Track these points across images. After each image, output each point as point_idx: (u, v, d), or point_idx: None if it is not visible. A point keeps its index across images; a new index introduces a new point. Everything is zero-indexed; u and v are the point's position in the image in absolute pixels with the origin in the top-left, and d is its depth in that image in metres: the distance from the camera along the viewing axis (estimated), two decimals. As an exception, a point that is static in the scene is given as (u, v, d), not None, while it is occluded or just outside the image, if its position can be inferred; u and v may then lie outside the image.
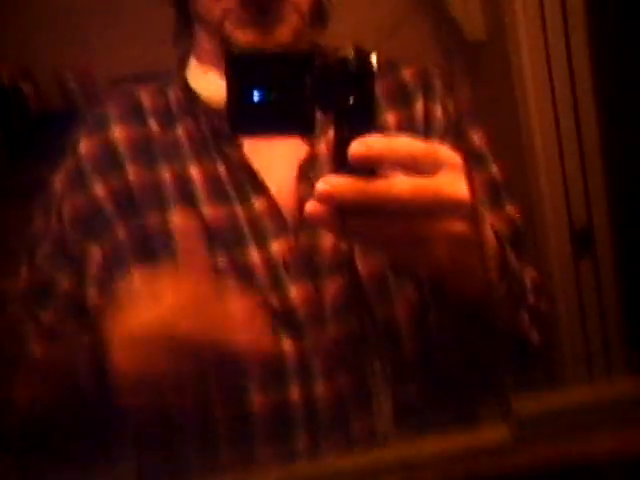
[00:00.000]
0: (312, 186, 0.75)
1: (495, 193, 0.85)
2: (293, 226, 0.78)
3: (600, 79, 1.76)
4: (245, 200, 0.79)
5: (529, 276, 0.82)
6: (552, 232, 1.76)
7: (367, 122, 0.51)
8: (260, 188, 0.79)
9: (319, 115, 0.51)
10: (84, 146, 0.83)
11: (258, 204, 0.79)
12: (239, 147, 0.80)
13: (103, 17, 2.17)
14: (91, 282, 0.80)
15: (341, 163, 0.51)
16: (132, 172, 0.81)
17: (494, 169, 0.87)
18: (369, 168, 0.50)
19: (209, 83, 0.83)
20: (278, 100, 0.51)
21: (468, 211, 0.54)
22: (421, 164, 0.51)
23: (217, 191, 0.80)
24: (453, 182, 0.53)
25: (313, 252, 0.78)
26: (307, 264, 0.78)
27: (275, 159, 0.81)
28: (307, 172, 0.79)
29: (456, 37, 2.19)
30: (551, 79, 1.77)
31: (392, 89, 0.86)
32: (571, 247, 1.77)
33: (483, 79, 2.21)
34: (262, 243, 0.78)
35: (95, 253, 0.80)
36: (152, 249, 0.79)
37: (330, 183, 0.50)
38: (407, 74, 0.88)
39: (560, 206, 1.76)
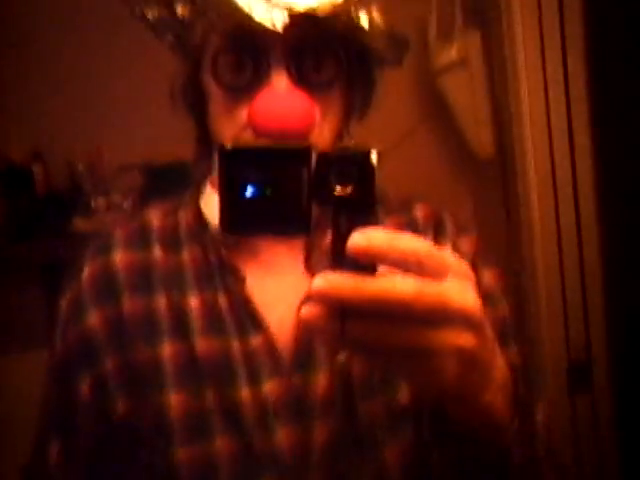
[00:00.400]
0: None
1: (503, 334, 0.82)
2: (288, 366, 0.77)
3: (605, 205, 1.77)
4: (242, 335, 0.78)
5: (541, 413, 0.79)
6: (549, 364, 1.72)
7: (367, 215, 0.48)
8: (259, 325, 0.78)
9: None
10: (86, 271, 0.84)
11: (255, 341, 0.78)
12: (243, 280, 0.80)
13: (117, 105, 2.21)
14: (81, 412, 0.80)
15: (338, 259, 0.47)
16: (127, 301, 0.80)
17: (504, 310, 0.86)
18: (369, 265, 0.46)
19: None
20: (273, 196, 0.49)
21: (477, 324, 0.49)
22: (425, 266, 0.47)
23: (214, 323, 0.79)
24: (461, 290, 0.48)
25: (306, 394, 0.76)
26: (298, 407, 0.75)
27: (278, 294, 0.80)
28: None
29: (464, 154, 2.22)
30: (557, 206, 1.77)
31: (403, 225, 0.87)
32: (568, 381, 1.73)
33: (487, 197, 2.22)
34: (254, 382, 0.76)
35: (84, 383, 0.80)
36: (138, 381, 0.77)
37: (326, 280, 0.45)
38: (419, 213, 0.89)
39: (559, 338, 1.73)
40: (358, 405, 0.75)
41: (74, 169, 2.28)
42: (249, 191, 0.48)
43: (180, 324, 0.78)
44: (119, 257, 0.83)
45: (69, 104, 2.21)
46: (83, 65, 2.19)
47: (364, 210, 0.48)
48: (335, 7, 0.74)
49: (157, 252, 0.83)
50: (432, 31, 2.08)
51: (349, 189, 0.48)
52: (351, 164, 0.48)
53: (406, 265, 0.46)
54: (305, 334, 0.77)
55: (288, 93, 0.73)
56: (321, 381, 0.76)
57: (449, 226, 0.88)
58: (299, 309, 0.74)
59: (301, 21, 0.72)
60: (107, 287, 0.81)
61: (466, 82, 2.06)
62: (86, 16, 2.15)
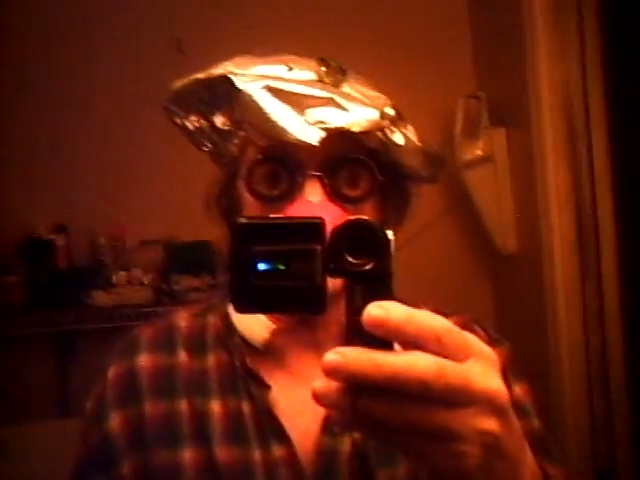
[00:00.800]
0: (335, 440, 0.75)
1: (535, 448, 0.80)
2: (310, 479, 0.75)
3: (631, 310, 1.76)
4: (264, 446, 0.76)
5: None
6: (575, 472, 1.67)
7: (383, 288, 0.45)
8: (282, 436, 0.76)
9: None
10: (111, 373, 0.83)
11: (277, 452, 0.76)
12: (267, 389, 0.78)
13: (140, 181, 2.27)
14: None
15: (353, 333, 0.44)
16: (149, 405, 0.79)
17: (536, 423, 0.83)
18: (386, 340, 0.43)
19: (249, 319, 0.82)
20: (286, 272, 0.47)
21: (502, 408, 0.45)
22: (445, 345, 0.43)
23: (236, 432, 0.77)
24: (484, 372, 0.44)
25: None
26: None
27: (304, 404, 0.74)
28: (332, 425, 0.76)
29: (485, 247, 2.24)
30: (584, 304, 1.77)
31: None
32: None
33: (508, 292, 2.23)
34: None
35: None
36: None
37: (340, 354, 0.42)
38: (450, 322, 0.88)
39: (584, 446, 1.70)
40: None
41: (96, 243, 2.30)
42: (262, 266, 0.47)
43: (201, 430, 0.77)
44: (143, 360, 0.82)
45: (93, 179, 2.26)
46: (107, 142, 2.25)
47: (380, 282, 0.46)
48: (370, 124, 0.75)
49: (182, 356, 0.82)
50: (458, 127, 2.14)
51: (364, 260, 0.46)
52: (366, 235, 0.47)
53: (424, 341, 0.43)
54: (328, 446, 0.76)
55: (321, 206, 0.73)
56: None
57: (479, 336, 0.87)
58: (322, 424, 0.74)
59: (336, 137, 0.73)
60: (130, 390, 0.80)
61: (490, 178, 2.09)
62: (110, 97, 2.24)
